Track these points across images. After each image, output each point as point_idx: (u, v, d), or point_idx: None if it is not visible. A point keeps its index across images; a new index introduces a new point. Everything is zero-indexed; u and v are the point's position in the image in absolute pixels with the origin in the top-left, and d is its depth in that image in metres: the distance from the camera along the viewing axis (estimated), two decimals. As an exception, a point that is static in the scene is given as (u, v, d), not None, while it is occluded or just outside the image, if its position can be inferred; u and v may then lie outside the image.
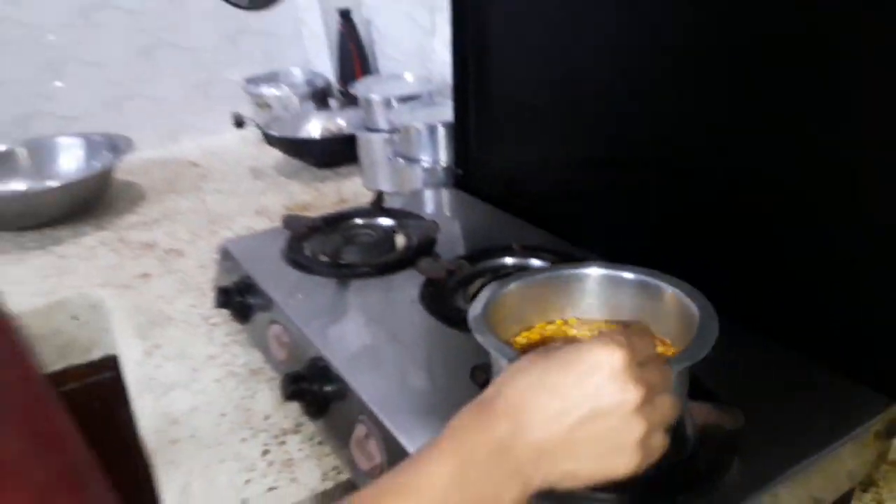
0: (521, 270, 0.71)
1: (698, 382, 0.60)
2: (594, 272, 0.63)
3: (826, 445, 0.58)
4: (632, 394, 0.42)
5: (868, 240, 0.63)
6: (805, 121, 0.66)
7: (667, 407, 0.45)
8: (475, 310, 0.58)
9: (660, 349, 0.59)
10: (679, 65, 0.77)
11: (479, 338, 0.54)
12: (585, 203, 0.93)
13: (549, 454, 0.41)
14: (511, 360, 0.48)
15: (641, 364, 0.44)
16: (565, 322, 0.64)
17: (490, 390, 0.44)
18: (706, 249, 0.76)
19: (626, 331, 0.45)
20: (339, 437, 0.73)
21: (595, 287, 0.63)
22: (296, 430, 0.84)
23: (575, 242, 0.92)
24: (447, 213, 1.11)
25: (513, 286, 0.62)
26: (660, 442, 0.45)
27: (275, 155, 1.61)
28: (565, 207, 0.97)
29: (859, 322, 0.64)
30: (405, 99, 1.34)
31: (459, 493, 0.40)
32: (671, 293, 0.59)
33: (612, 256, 0.67)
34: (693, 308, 0.57)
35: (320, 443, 0.81)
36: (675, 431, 0.56)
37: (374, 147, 1.33)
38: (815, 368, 0.67)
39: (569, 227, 0.94)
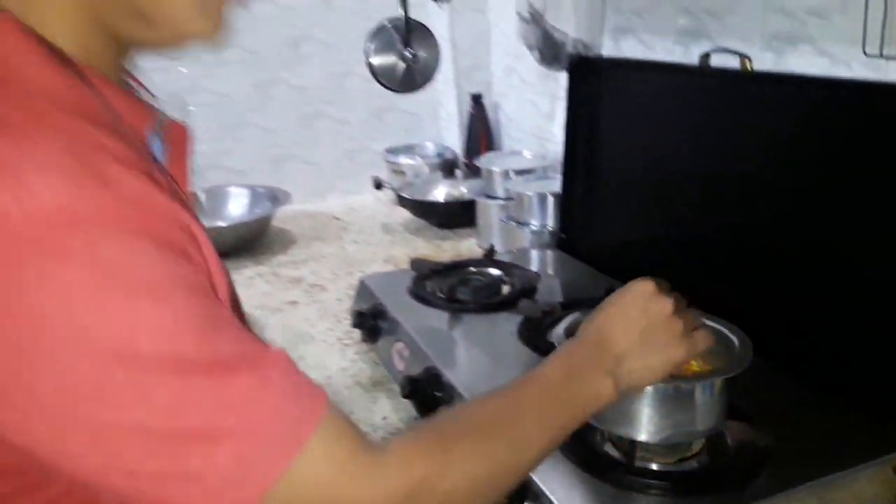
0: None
1: (738, 407, 0.73)
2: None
3: (845, 468, 0.69)
4: (664, 303, 0.62)
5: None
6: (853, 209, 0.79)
7: (693, 315, 0.65)
8: (559, 328, 0.74)
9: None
10: (752, 162, 0.93)
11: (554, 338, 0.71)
12: (664, 264, 1.08)
13: (628, 356, 0.60)
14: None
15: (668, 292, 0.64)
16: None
17: (579, 331, 0.63)
18: (759, 302, 0.89)
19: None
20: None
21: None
22: (409, 429, 1.01)
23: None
24: (548, 269, 1.28)
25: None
26: (701, 336, 0.64)
27: (404, 214, 1.85)
28: (648, 267, 1.12)
29: (885, 370, 0.75)
30: (522, 172, 1.54)
31: (567, 389, 0.58)
32: (720, 329, 0.74)
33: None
34: (736, 341, 0.71)
35: (426, 442, 0.98)
36: (715, 441, 0.70)
37: (490, 211, 1.53)
38: (845, 408, 0.78)
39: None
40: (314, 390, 0.47)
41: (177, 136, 0.57)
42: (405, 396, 0.93)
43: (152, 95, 0.59)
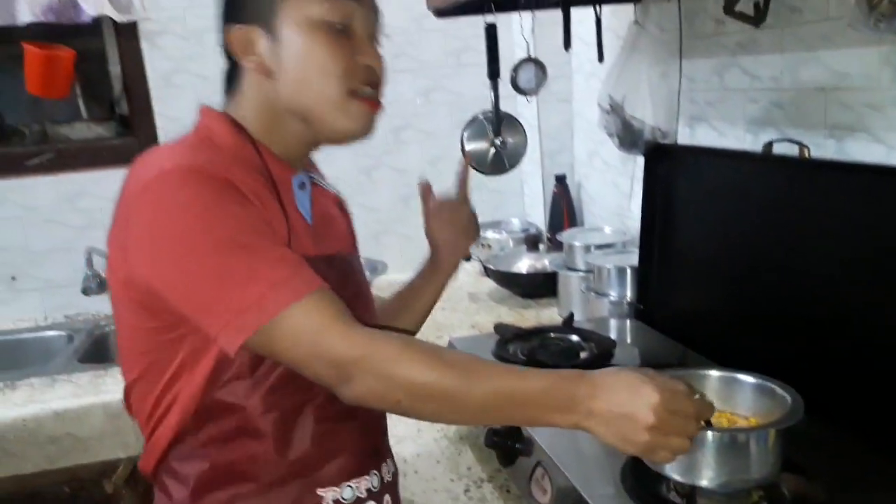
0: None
1: (794, 461, 0.80)
2: (714, 373, 0.87)
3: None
4: (648, 412, 0.68)
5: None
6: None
7: (675, 444, 0.70)
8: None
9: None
10: (810, 242, 1.01)
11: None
12: (729, 332, 1.16)
13: (596, 414, 0.70)
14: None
15: (672, 412, 0.69)
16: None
17: (591, 374, 0.73)
18: (816, 366, 0.96)
19: (672, 386, 0.71)
20: (521, 480, 1.00)
21: (715, 384, 0.87)
22: (490, 478, 1.11)
23: (719, 361, 1.13)
24: (626, 336, 1.37)
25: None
26: (665, 458, 0.71)
27: (490, 284, 1.98)
28: (716, 335, 1.20)
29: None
30: (602, 246, 1.65)
31: (533, 403, 0.70)
32: (775, 388, 0.81)
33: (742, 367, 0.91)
34: (789, 398, 0.79)
35: (508, 490, 1.08)
36: (772, 492, 0.77)
37: (571, 282, 1.64)
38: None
39: (718, 350, 1.16)
40: (316, 277, 0.72)
41: (326, 197, 0.90)
42: (488, 446, 1.03)
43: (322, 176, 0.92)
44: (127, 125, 2.15)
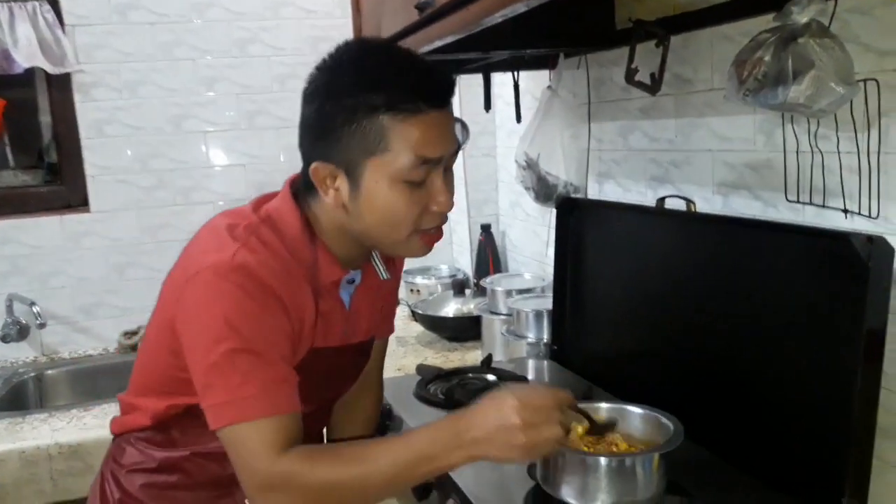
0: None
1: (677, 483, 0.89)
2: (605, 405, 0.96)
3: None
4: (515, 420, 0.80)
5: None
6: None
7: (548, 433, 0.81)
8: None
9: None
10: (697, 287, 1.13)
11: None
12: (632, 370, 1.26)
13: (480, 439, 0.81)
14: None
15: (534, 408, 0.81)
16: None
17: (463, 410, 0.85)
18: (701, 400, 1.06)
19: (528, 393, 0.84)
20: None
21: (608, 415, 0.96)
22: (408, 513, 1.16)
23: (621, 396, 1.23)
24: (542, 376, 1.46)
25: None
26: (549, 448, 0.83)
27: (418, 328, 2.05)
28: (619, 375, 1.30)
29: (797, 456, 0.91)
30: (522, 291, 1.74)
31: (431, 447, 0.82)
32: (661, 419, 0.90)
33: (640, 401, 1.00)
34: (671, 427, 0.88)
35: (424, 524, 1.13)
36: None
37: (494, 325, 1.72)
38: (767, 489, 0.94)
39: (620, 387, 1.26)
40: (288, 402, 0.85)
41: (372, 287, 1.03)
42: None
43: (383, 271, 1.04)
44: (55, 173, 2.16)
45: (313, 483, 0.82)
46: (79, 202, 2.10)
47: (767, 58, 0.96)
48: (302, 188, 0.94)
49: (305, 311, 0.90)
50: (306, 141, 0.91)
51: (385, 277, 1.03)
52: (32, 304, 1.96)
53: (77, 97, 2.05)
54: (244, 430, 0.83)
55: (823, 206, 1.06)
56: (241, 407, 0.83)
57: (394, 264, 1.08)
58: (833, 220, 1.05)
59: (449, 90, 0.89)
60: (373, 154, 0.84)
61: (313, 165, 0.88)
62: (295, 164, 0.96)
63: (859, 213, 1.01)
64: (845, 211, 1.02)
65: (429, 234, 0.91)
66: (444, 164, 0.88)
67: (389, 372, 1.77)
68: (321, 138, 0.88)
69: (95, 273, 2.11)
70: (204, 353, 0.84)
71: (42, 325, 1.97)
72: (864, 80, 0.96)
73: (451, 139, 0.89)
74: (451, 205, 0.90)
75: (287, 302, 0.86)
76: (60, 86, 2.06)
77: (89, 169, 2.07)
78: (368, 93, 0.83)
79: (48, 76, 2.03)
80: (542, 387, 0.87)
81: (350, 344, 1.01)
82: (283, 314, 0.86)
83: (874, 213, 0.98)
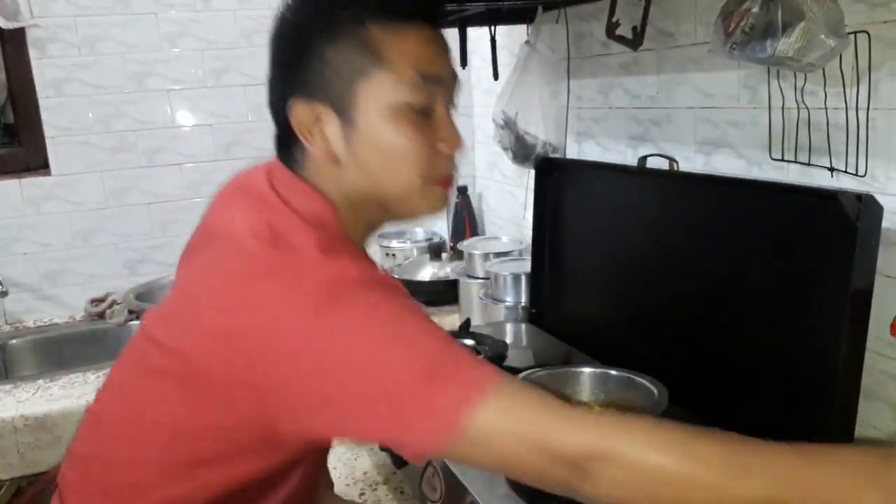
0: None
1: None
2: (588, 370, 0.94)
3: None
4: None
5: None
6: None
7: None
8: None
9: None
10: (679, 247, 1.10)
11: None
12: (613, 334, 1.24)
13: None
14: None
15: None
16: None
17: None
18: (684, 363, 1.04)
19: None
20: (414, 481, 1.03)
21: (591, 379, 0.94)
22: (385, 480, 1.14)
23: (602, 359, 1.21)
24: (521, 340, 1.43)
25: (540, 373, 0.94)
26: None
27: (395, 294, 2.02)
28: (600, 338, 1.28)
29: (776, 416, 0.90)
30: (500, 254, 1.71)
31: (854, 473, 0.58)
32: (645, 383, 0.88)
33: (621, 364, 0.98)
34: (656, 391, 0.86)
35: (402, 492, 1.11)
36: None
37: (471, 289, 1.69)
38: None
39: (601, 350, 1.24)
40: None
41: None
42: (381, 448, 1.06)
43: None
44: (12, 135, 2.06)
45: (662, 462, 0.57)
46: (38, 165, 2.01)
47: (755, 9, 0.92)
48: (281, 159, 0.76)
49: None
50: (279, 83, 0.75)
51: (384, 272, 0.85)
52: (-7, 271, 1.89)
53: (32, 53, 1.94)
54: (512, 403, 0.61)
55: (809, 164, 1.04)
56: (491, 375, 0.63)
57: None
58: (818, 179, 1.03)
59: (441, 4, 0.78)
60: (364, 74, 0.70)
61: (292, 106, 0.72)
62: (263, 125, 0.82)
63: (846, 172, 0.98)
64: (831, 169, 1.00)
65: (444, 179, 0.76)
66: (445, 96, 0.75)
67: (365, 337, 1.75)
68: (298, 69, 0.72)
69: (59, 239, 2.03)
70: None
71: (4, 293, 1.90)
72: (855, 33, 0.92)
73: (449, 63, 0.75)
74: (460, 143, 0.75)
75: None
76: (14, 42, 1.95)
77: (48, 130, 1.98)
78: (351, 1, 0.71)
79: (1, 32, 1.93)
80: None
81: None
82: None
83: (861, 171, 0.96)
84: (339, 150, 0.72)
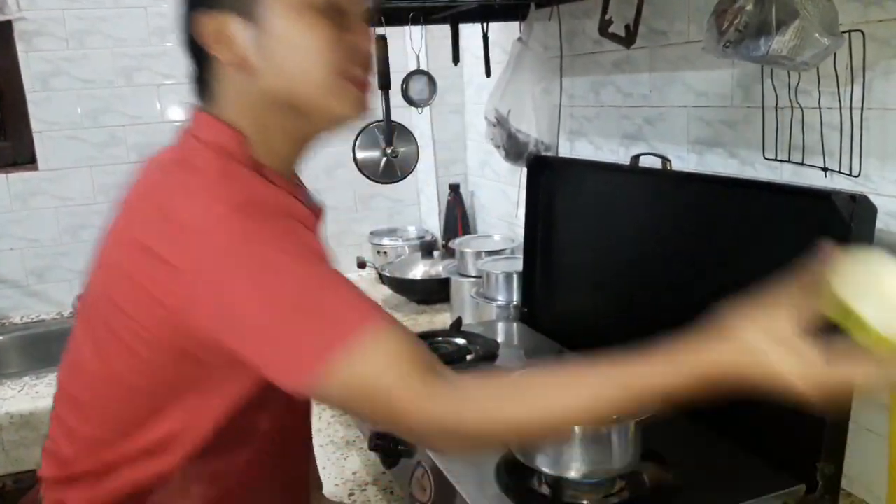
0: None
1: (654, 449, 0.87)
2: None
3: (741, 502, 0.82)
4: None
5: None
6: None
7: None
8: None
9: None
10: (671, 245, 1.10)
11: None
12: (603, 334, 1.23)
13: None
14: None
15: None
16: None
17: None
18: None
19: None
20: (404, 481, 1.02)
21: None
22: (375, 481, 1.13)
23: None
24: (512, 339, 1.42)
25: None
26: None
27: (385, 291, 2.00)
28: (591, 337, 1.26)
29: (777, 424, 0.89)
30: (492, 253, 1.70)
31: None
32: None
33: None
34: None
35: (391, 492, 1.10)
36: (635, 481, 0.83)
37: (463, 288, 1.68)
38: (744, 454, 0.92)
39: (592, 349, 1.23)
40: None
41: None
42: (371, 448, 1.05)
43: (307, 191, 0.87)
44: None
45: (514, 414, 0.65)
46: (26, 160, 1.99)
47: (749, 7, 0.91)
48: (199, 98, 0.77)
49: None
50: (184, 4, 0.74)
51: (320, 205, 0.85)
52: (-21, 267, 1.87)
53: (20, 46, 1.92)
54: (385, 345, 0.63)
55: (802, 164, 1.03)
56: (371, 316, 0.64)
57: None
58: (812, 179, 1.02)
59: None
60: None
61: (197, 20, 0.71)
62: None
63: (839, 171, 0.98)
64: (825, 169, 0.99)
65: (357, 80, 0.74)
66: (355, 4, 0.74)
67: (356, 335, 1.73)
68: None
69: (46, 234, 2.01)
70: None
71: (-10, 290, 1.88)
72: (849, 32, 0.91)
73: None
74: (370, 44, 0.75)
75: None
76: (1, 35, 1.92)
77: (36, 124, 1.95)
78: None
79: (-13, 25, 1.90)
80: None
81: None
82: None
83: (855, 171, 0.95)
84: (249, 56, 0.71)
